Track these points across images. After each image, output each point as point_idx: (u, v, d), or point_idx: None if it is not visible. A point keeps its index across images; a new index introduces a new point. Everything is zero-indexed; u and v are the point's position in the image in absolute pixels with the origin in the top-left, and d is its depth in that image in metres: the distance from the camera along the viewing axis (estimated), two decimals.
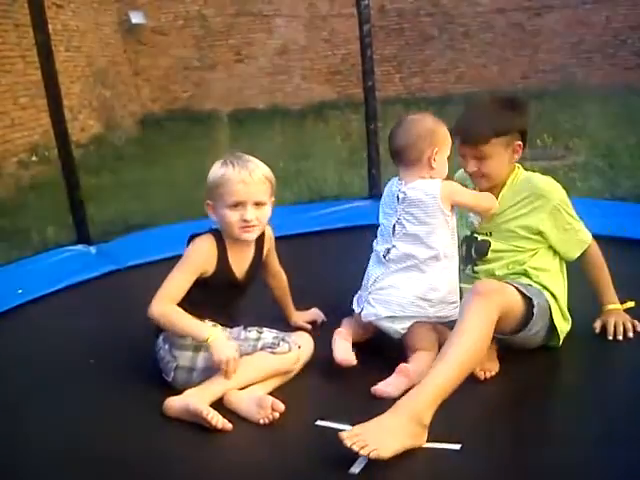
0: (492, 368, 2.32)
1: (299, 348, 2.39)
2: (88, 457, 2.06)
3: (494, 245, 2.53)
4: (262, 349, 2.32)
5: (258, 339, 2.34)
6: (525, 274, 2.47)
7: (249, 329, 2.39)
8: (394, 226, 2.51)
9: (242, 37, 12.62)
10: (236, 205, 2.32)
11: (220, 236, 2.41)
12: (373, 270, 2.57)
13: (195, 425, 2.12)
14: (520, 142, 2.48)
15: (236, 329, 2.40)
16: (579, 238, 2.51)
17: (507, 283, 2.32)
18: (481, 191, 2.55)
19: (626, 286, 2.64)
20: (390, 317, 2.46)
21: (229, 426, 2.10)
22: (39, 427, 2.25)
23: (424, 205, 2.45)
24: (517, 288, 2.30)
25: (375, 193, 4.74)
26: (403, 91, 12.30)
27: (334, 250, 3.84)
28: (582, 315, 2.54)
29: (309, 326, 2.76)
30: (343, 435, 1.85)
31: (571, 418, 2.13)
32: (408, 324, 2.43)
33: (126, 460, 2.03)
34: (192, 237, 2.44)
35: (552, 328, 2.43)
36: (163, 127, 11.46)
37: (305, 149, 8.28)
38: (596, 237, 2.56)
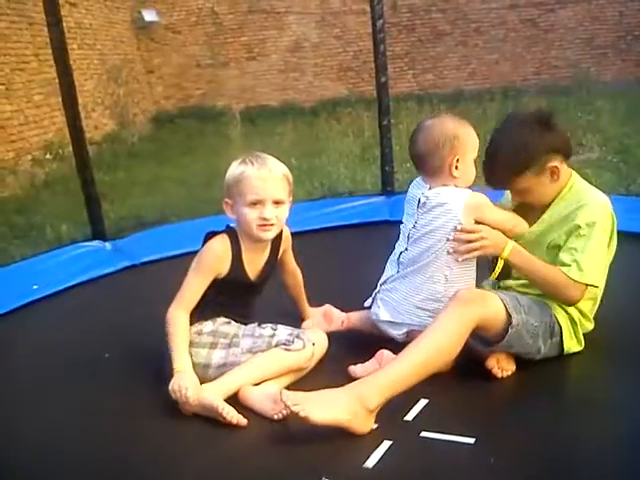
0: (509, 368, 2.31)
1: (313, 345, 2.39)
2: (103, 450, 2.08)
3: None
4: (276, 346, 2.33)
5: (273, 336, 2.35)
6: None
7: (263, 326, 2.40)
8: (410, 229, 2.45)
9: (254, 34, 12.64)
10: (255, 203, 2.31)
11: (236, 236, 2.39)
12: (388, 269, 2.55)
13: (210, 420, 2.13)
14: (556, 163, 2.32)
15: (250, 326, 2.41)
16: (570, 267, 2.26)
17: (498, 294, 2.26)
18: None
19: None
20: (389, 322, 2.46)
21: (244, 421, 2.11)
22: (53, 419, 2.27)
23: (443, 213, 2.34)
24: (503, 300, 2.22)
25: (388, 189, 4.75)
26: (415, 88, 12.27)
27: (347, 246, 3.85)
28: (604, 320, 2.51)
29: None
30: (284, 393, 2.00)
31: (584, 418, 2.12)
32: (405, 330, 2.42)
33: (141, 454, 2.05)
34: (208, 235, 2.43)
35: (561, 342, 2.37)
36: (176, 124, 11.52)
37: (317, 146, 8.28)
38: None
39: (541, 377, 2.30)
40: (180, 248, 3.65)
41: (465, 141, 2.37)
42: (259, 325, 2.41)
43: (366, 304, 2.59)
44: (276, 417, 2.13)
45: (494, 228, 2.36)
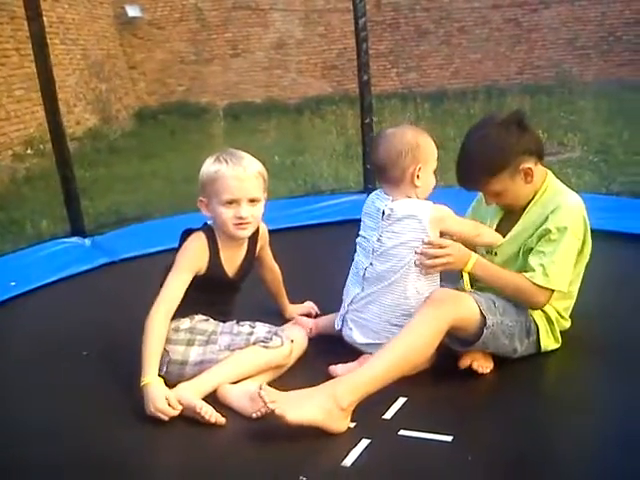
0: (487, 365, 2.31)
1: (292, 342, 2.39)
2: (79, 450, 2.06)
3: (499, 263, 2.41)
4: (255, 343, 2.31)
5: (251, 333, 2.33)
6: None
7: (242, 323, 2.39)
8: (375, 242, 2.40)
9: (238, 31, 12.61)
10: (231, 202, 2.30)
11: (212, 233, 2.38)
12: (351, 288, 2.50)
13: (188, 419, 2.11)
14: (529, 164, 2.31)
15: (228, 323, 2.40)
16: (535, 272, 2.27)
17: (472, 294, 2.27)
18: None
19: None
20: (366, 344, 2.40)
21: (222, 420, 2.10)
22: (29, 417, 2.25)
23: (410, 226, 2.32)
24: (477, 302, 2.23)
25: (370, 187, 4.74)
26: (399, 86, 12.27)
27: (329, 243, 3.84)
28: (581, 317, 2.53)
29: (303, 319, 2.76)
30: (264, 388, 1.99)
31: (561, 415, 2.13)
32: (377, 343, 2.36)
33: (117, 453, 2.03)
34: (185, 232, 2.42)
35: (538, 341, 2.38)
36: (158, 121, 11.46)
37: (301, 143, 8.28)
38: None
39: (519, 375, 2.31)
40: (159, 245, 3.63)
41: (426, 150, 2.37)
42: (237, 322, 2.40)
43: (336, 327, 2.54)
44: (254, 415, 2.11)
45: (459, 238, 2.36)
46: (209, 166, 2.33)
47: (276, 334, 2.34)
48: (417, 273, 2.33)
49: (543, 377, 2.40)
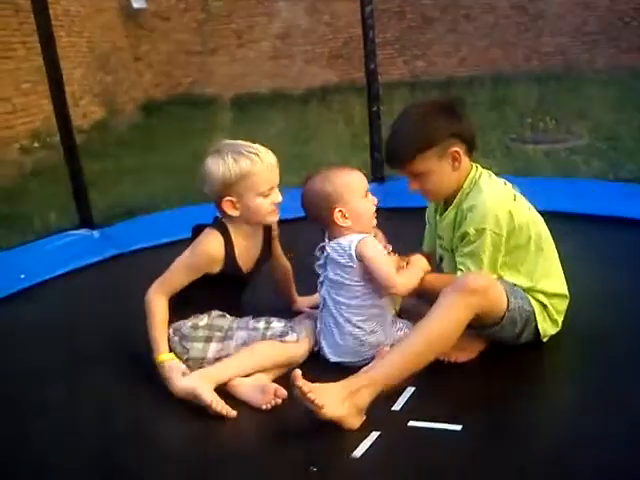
0: (468, 356, 2.30)
1: (307, 338, 2.40)
2: (95, 438, 2.09)
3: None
4: (271, 338, 2.34)
5: (267, 328, 2.36)
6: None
7: (258, 319, 2.41)
8: (322, 272, 2.45)
9: (244, 21, 12.56)
10: (267, 192, 2.33)
11: (226, 230, 2.38)
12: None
13: (199, 410, 2.12)
14: (458, 148, 2.28)
15: (245, 319, 2.42)
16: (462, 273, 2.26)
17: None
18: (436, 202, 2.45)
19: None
20: (340, 361, 2.39)
21: (233, 413, 2.10)
22: (38, 411, 2.28)
23: (343, 265, 2.33)
24: (505, 289, 2.21)
25: (378, 177, 4.74)
26: (407, 74, 12.22)
27: None
28: (583, 302, 2.49)
29: (312, 311, 2.75)
30: (301, 382, 1.90)
31: (570, 402, 2.13)
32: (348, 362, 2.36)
33: (129, 443, 2.06)
34: (196, 229, 2.42)
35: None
36: (165, 112, 11.44)
37: (308, 133, 8.26)
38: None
39: (524, 363, 2.29)
40: (168, 236, 3.64)
41: (339, 193, 2.34)
42: (253, 318, 2.41)
43: (315, 348, 2.47)
44: (264, 407, 2.12)
45: (371, 266, 2.30)
46: (232, 166, 2.29)
47: (292, 329, 2.37)
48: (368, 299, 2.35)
49: (547, 365, 2.38)
